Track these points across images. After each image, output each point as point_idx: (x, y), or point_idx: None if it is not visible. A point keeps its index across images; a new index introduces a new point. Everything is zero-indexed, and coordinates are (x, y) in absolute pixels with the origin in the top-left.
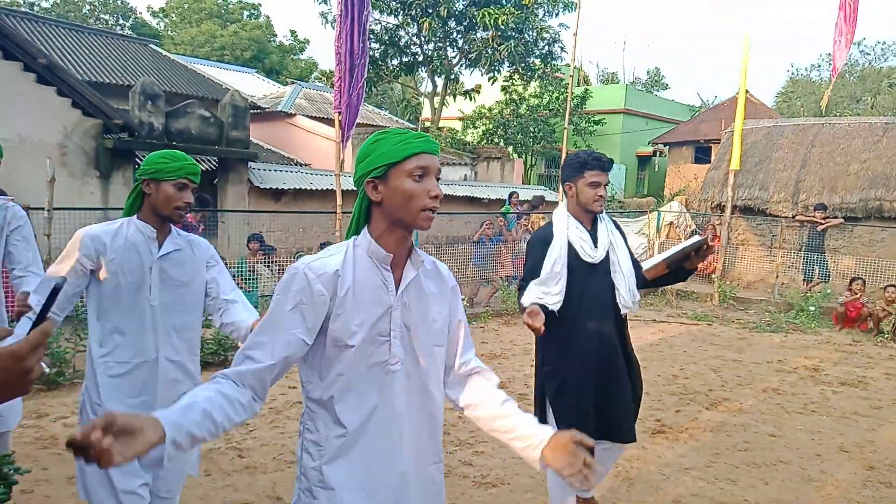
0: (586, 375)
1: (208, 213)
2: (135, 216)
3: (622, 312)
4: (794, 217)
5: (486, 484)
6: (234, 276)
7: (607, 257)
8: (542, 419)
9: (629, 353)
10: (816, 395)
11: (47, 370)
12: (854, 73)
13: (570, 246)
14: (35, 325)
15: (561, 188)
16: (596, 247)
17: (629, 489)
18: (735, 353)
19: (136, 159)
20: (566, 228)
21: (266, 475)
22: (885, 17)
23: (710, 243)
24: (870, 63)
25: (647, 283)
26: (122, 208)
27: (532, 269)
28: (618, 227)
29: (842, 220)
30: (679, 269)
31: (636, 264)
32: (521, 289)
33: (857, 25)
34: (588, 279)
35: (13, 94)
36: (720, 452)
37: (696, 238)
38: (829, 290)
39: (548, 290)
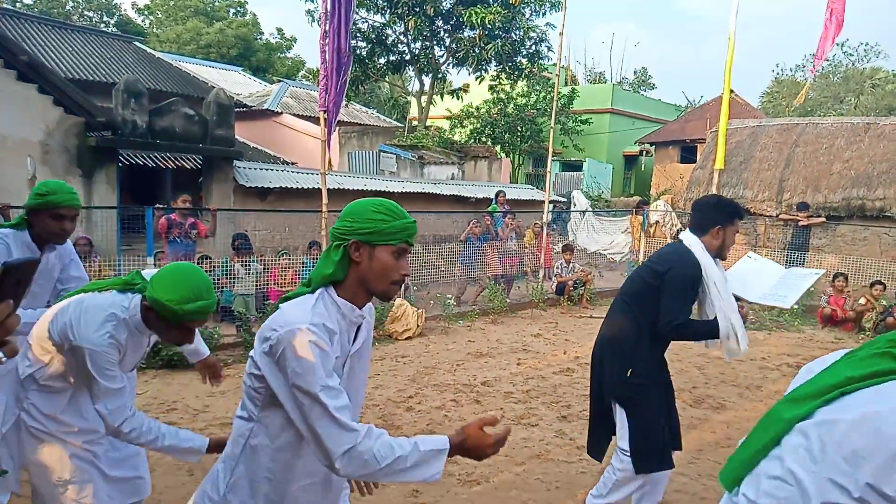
0: (670, 394)
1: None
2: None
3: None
4: (777, 216)
5: (470, 482)
6: (218, 275)
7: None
8: (605, 428)
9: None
10: None
11: (4, 359)
12: (837, 74)
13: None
14: None
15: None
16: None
17: None
18: (719, 351)
19: (120, 158)
20: (714, 266)
21: None
22: (867, 18)
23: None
24: (853, 64)
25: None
26: (105, 207)
27: (681, 307)
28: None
29: (824, 219)
30: None
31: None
32: (679, 331)
33: (843, 26)
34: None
35: None
36: (703, 449)
37: (809, 277)
38: (812, 289)
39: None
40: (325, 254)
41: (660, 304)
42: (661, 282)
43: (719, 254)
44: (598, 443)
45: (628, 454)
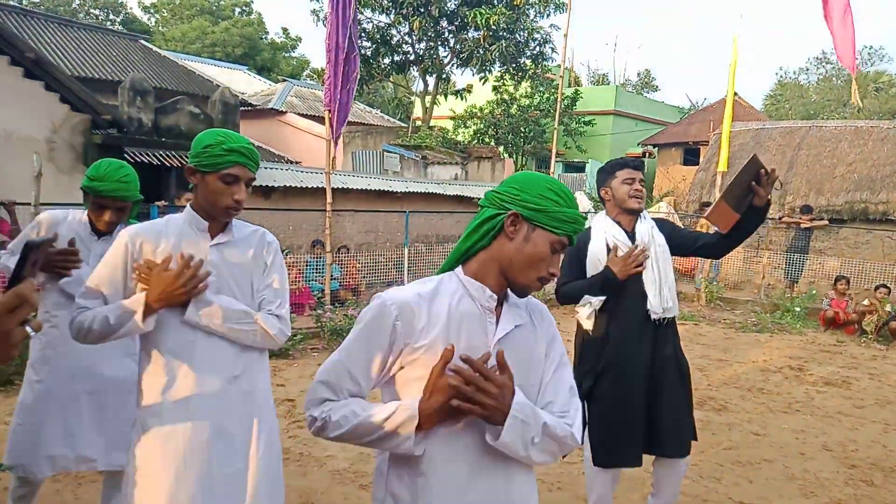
0: (620, 384)
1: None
2: None
3: (653, 318)
4: (780, 219)
5: None
6: None
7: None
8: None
9: (674, 360)
10: (801, 395)
11: (32, 333)
12: (841, 77)
13: (607, 247)
14: (10, 286)
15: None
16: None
17: (616, 485)
18: (721, 353)
19: (125, 155)
20: (603, 231)
21: None
22: (872, 22)
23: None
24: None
25: (729, 242)
26: None
27: (568, 272)
28: (665, 225)
29: (827, 222)
30: (750, 208)
31: (709, 237)
32: (561, 291)
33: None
34: (624, 282)
35: (0, 89)
36: (705, 451)
37: (751, 163)
38: (814, 291)
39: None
40: (471, 226)
41: None
42: None
43: (623, 210)
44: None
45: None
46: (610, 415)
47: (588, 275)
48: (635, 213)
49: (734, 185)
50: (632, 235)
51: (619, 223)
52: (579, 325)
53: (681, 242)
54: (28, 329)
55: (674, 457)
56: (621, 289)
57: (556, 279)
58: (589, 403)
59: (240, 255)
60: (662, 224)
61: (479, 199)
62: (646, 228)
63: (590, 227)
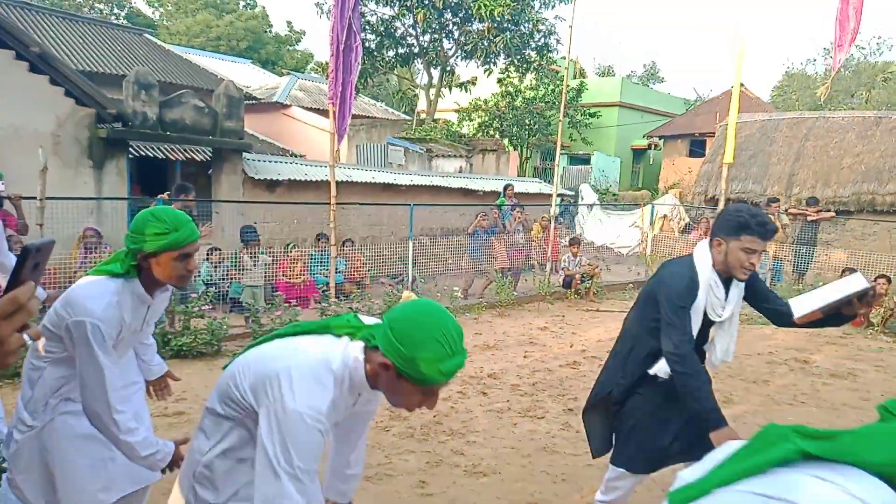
0: (656, 400)
1: (193, 203)
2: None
3: (709, 365)
4: (786, 210)
5: (477, 473)
6: (227, 266)
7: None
8: (601, 424)
9: None
10: (807, 387)
11: (30, 340)
12: (849, 68)
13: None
14: (7, 290)
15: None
16: (724, 307)
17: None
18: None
19: (130, 149)
20: (708, 286)
21: None
22: (880, 12)
23: (879, 290)
24: (864, 58)
25: (793, 325)
26: (115, 198)
27: (684, 323)
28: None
29: (833, 214)
30: (836, 314)
31: (781, 306)
32: (686, 371)
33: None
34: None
35: (5, 83)
36: None
37: (858, 281)
38: (821, 283)
39: None
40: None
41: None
42: (658, 295)
43: (728, 273)
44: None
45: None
46: (641, 424)
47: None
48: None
49: (837, 299)
50: (727, 295)
51: (719, 274)
52: (628, 336)
53: (752, 294)
54: (25, 336)
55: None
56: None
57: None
58: (621, 409)
59: None
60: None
61: (483, 191)
62: (737, 294)
63: (691, 266)
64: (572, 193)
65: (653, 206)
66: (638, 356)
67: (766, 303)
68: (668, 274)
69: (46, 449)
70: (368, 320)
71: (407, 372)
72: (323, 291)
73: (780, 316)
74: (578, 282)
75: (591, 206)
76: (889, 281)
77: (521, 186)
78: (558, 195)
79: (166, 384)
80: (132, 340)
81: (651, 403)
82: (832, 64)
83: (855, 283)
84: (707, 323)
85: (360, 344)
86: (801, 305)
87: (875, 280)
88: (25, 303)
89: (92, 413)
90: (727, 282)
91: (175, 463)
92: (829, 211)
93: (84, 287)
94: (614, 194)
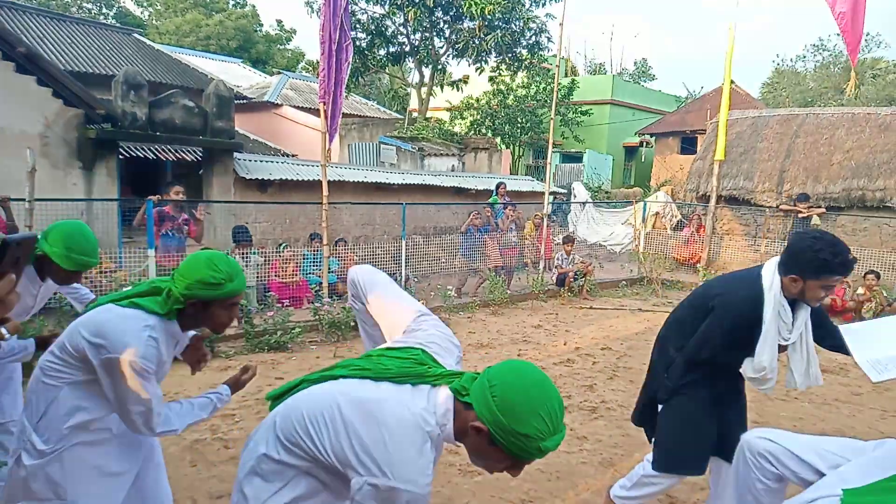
0: (699, 403)
1: (182, 195)
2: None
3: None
4: (777, 207)
5: (471, 472)
6: None
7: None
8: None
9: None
10: None
11: (6, 334)
12: (838, 64)
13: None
14: None
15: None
16: (791, 330)
17: (614, 475)
18: None
19: (120, 150)
20: (776, 311)
21: None
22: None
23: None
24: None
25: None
26: (106, 200)
27: (730, 341)
28: (816, 308)
29: (824, 210)
30: None
31: (827, 339)
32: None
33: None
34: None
35: None
36: None
37: None
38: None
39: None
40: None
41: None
42: (710, 307)
43: (801, 301)
44: (641, 413)
45: (655, 451)
46: (683, 426)
47: (755, 344)
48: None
49: None
50: (794, 321)
51: (788, 301)
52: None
53: (817, 331)
54: (3, 331)
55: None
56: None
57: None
58: (665, 410)
59: None
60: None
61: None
62: (804, 316)
63: (762, 294)
64: (565, 191)
65: (645, 204)
66: (679, 364)
67: (826, 339)
68: (730, 291)
69: (55, 481)
70: (443, 358)
71: (502, 443)
72: (316, 291)
73: (831, 348)
74: (572, 280)
75: (583, 203)
76: (878, 276)
77: (514, 185)
78: (551, 193)
79: (201, 351)
80: (161, 375)
81: (692, 404)
82: (851, 58)
83: None
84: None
85: (447, 392)
86: (880, 373)
87: (864, 276)
88: (4, 297)
89: (134, 431)
90: (793, 303)
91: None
92: (819, 207)
93: (120, 321)
94: (606, 192)
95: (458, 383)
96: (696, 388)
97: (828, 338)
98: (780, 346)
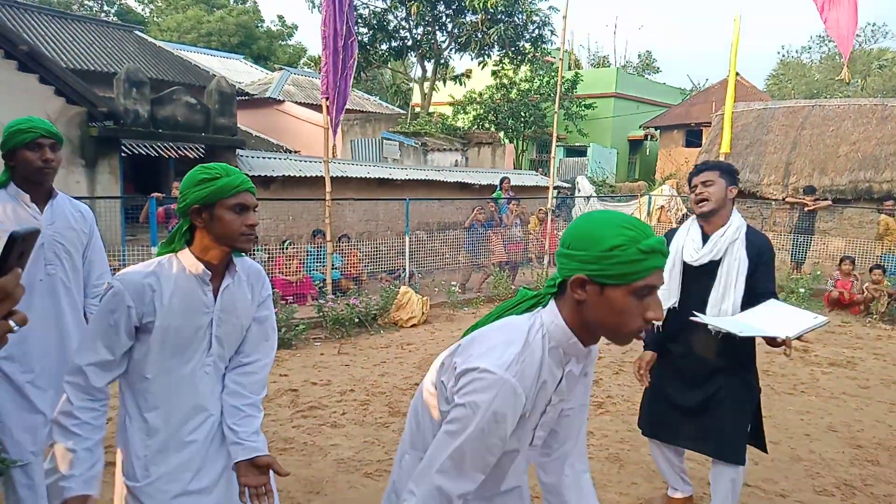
0: (668, 368)
1: None
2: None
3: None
4: (784, 199)
5: None
6: None
7: (715, 265)
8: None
9: (732, 370)
10: (806, 376)
11: (16, 328)
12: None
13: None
14: None
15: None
16: (699, 250)
17: (620, 471)
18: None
19: (123, 147)
20: (686, 231)
21: None
22: None
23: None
24: (860, 45)
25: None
26: (109, 197)
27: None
28: (762, 251)
29: (830, 202)
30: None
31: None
32: None
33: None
34: (691, 284)
35: None
36: None
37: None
38: (819, 272)
39: (665, 288)
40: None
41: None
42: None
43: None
44: None
45: None
46: (654, 389)
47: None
48: (705, 218)
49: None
50: (705, 242)
51: (701, 226)
52: None
53: (748, 280)
54: (11, 323)
55: (711, 456)
56: (689, 289)
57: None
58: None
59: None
60: (759, 249)
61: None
62: (722, 242)
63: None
64: (569, 185)
65: (650, 197)
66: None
67: (752, 290)
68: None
69: None
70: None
71: (606, 274)
72: (320, 288)
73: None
74: None
75: (588, 198)
76: (885, 271)
77: (518, 179)
78: (555, 187)
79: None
80: (189, 328)
81: (662, 369)
82: (844, 52)
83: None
84: (689, 268)
85: (550, 307)
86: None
87: (871, 271)
88: (12, 290)
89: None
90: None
91: None
92: (826, 199)
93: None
94: (611, 186)
95: (549, 286)
96: (664, 344)
97: (752, 298)
98: (693, 268)
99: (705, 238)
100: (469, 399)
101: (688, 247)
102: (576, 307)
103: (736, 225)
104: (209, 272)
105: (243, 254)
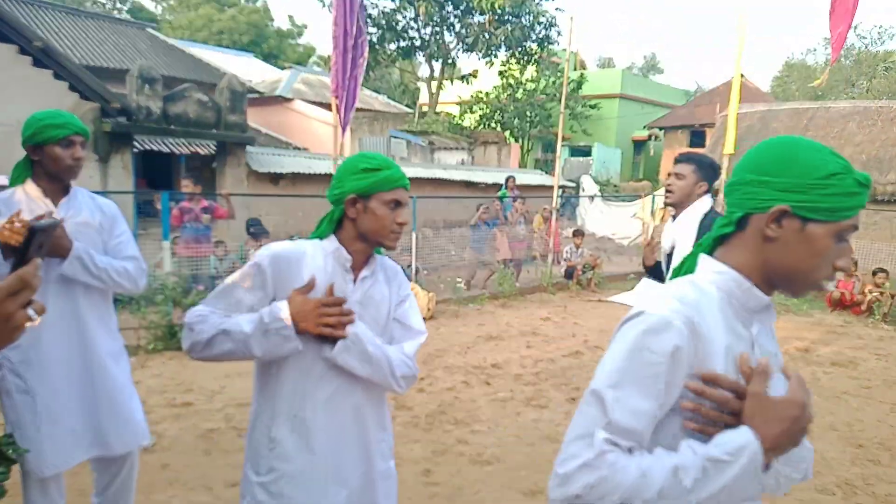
0: None
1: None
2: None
3: None
4: None
5: (481, 462)
6: (233, 259)
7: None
8: None
9: None
10: (807, 376)
11: (35, 317)
12: (850, 57)
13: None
14: (14, 269)
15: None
16: (667, 239)
17: None
18: None
19: (135, 143)
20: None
21: None
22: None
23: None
24: (866, 47)
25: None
26: (121, 192)
27: None
28: (705, 219)
29: None
30: None
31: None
32: None
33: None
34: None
35: (9, 78)
36: None
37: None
38: None
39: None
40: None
41: None
42: None
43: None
44: None
45: None
46: None
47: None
48: (673, 208)
49: None
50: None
51: (673, 216)
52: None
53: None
54: (30, 312)
55: None
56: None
57: None
58: None
59: (381, 292)
60: (705, 218)
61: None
62: (675, 229)
63: None
64: (573, 185)
65: (653, 197)
66: None
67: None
68: None
69: None
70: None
71: (817, 206)
72: None
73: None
74: (580, 272)
75: (592, 197)
76: (888, 274)
77: (523, 178)
78: (559, 187)
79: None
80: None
81: None
82: (831, 54)
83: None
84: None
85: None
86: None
87: (874, 274)
88: (31, 280)
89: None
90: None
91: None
92: None
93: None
94: (615, 185)
95: (710, 236)
96: None
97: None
98: (668, 256)
99: None
100: None
101: (665, 237)
102: (759, 247)
103: (691, 215)
104: (350, 258)
105: (384, 251)
